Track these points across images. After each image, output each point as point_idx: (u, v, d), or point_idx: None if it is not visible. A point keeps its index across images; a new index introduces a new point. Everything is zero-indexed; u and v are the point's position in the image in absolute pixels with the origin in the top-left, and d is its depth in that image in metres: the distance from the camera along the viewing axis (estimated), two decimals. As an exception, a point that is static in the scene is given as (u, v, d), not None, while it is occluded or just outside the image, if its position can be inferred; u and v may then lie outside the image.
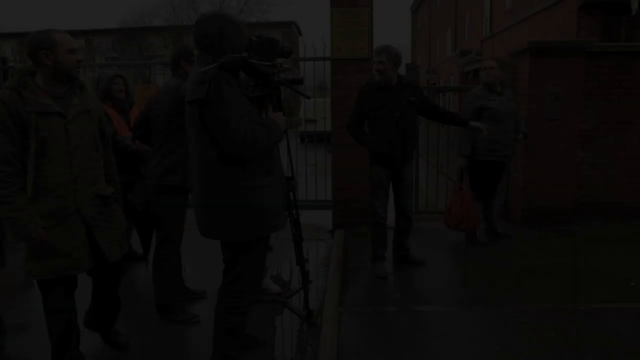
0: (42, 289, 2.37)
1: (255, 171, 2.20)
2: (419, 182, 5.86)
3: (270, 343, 3.01)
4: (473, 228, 4.55)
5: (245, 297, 2.32)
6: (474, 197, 4.53)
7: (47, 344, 2.49)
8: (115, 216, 2.49)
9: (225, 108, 2.07)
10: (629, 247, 4.49)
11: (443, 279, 3.77)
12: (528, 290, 3.52)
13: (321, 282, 3.97)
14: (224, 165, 2.16)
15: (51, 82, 2.25)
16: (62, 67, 2.23)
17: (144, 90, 5.93)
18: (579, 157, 5.40)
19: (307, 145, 6.83)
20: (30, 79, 2.21)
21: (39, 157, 2.16)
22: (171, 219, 3.17)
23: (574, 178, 5.26)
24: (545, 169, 5.18)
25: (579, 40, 5.20)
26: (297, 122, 5.54)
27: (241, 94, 2.16)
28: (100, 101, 3.88)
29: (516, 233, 4.97)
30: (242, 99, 2.14)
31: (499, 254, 4.35)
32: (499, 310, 3.21)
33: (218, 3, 29.88)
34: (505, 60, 4.84)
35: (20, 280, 4.03)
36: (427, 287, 3.63)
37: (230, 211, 2.19)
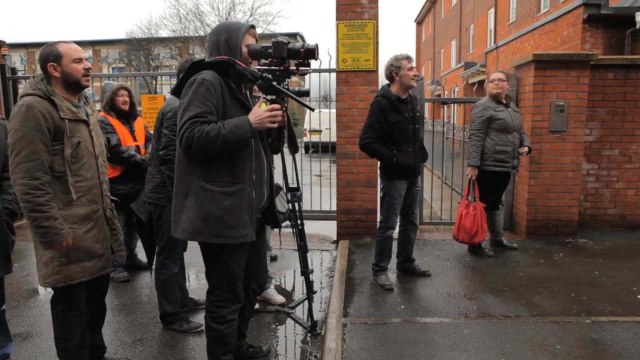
0: (64, 293, 2.34)
1: (218, 175, 2.15)
2: (423, 194, 5.86)
3: (274, 353, 3.00)
4: (482, 240, 4.55)
5: (228, 305, 2.30)
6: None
7: (53, 351, 2.49)
8: (118, 221, 2.59)
9: (180, 105, 2.14)
10: (635, 260, 4.45)
11: (448, 291, 3.75)
12: (534, 303, 3.50)
13: (325, 293, 3.96)
14: (186, 160, 2.18)
15: (65, 92, 2.31)
16: (71, 78, 2.28)
17: (150, 101, 6.00)
18: (584, 169, 5.40)
19: (311, 156, 6.84)
20: (53, 88, 2.26)
21: (74, 161, 2.25)
22: (169, 227, 3.18)
23: (579, 190, 5.25)
24: (550, 181, 5.17)
25: (584, 53, 5.21)
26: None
27: (221, 94, 2.10)
28: (104, 112, 3.97)
29: (521, 245, 4.95)
30: (206, 98, 2.06)
31: (505, 266, 4.33)
32: (504, 322, 3.19)
33: (224, 15, 30.21)
34: (510, 73, 4.91)
35: (26, 287, 4.05)
36: (431, 299, 3.61)
37: (183, 206, 2.19)
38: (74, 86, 2.32)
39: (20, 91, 2.30)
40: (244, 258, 2.32)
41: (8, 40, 6.32)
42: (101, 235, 2.39)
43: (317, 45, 2.20)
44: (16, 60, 34.47)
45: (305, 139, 13.59)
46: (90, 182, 2.33)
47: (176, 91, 2.30)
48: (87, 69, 2.33)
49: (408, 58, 3.71)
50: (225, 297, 2.29)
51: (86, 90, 2.44)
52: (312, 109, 2.45)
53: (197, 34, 30.35)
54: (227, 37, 2.19)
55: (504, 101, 4.58)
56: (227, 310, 2.29)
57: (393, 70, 3.68)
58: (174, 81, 3.66)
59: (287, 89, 2.23)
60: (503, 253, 4.71)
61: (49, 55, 2.26)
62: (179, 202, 2.22)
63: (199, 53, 29.12)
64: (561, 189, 5.18)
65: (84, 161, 2.29)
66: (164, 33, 32.61)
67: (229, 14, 30.61)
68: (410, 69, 3.68)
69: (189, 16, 31.83)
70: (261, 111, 2.15)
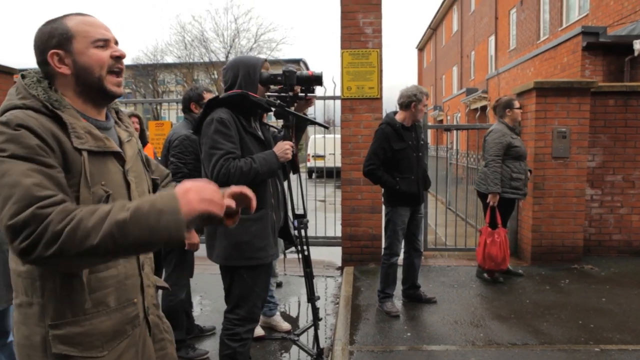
0: None
1: None
2: (428, 220, 5.87)
3: (280, 382, 2.98)
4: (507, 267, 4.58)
5: (244, 324, 2.38)
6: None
7: None
8: (167, 322, 1.53)
9: (205, 143, 2.26)
10: (642, 287, 4.43)
11: (454, 318, 3.73)
12: (541, 331, 3.47)
13: (330, 320, 3.94)
14: None
15: (83, 102, 1.28)
16: (89, 75, 1.24)
17: (157, 127, 6.09)
18: (588, 195, 5.42)
19: (316, 181, 6.88)
20: (61, 96, 1.23)
21: None
22: (178, 251, 3.20)
23: (583, 216, 5.26)
24: (554, 206, 5.19)
25: (584, 80, 5.31)
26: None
27: (236, 130, 2.28)
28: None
29: (527, 271, 4.93)
30: (228, 135, 2.24)
31: (510, 293, 4.31)
32: (512, 350, 3.17)
33: (229, 42, 30.77)
34: None
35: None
36: (437, 326, 3.59)
37: (215, 234, 2.34)
38: (97, 92, 1.27)
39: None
40: (264, 277, 2.43)
41: (16, 66, 6.44)
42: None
43: (322, 73, 2.46)
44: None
45: (309, 164, 13.69)
46: (123, 270, 1.27)
47: (196, 129, 2.40)
48: (118, 57, 1.29)
49: (427, 95, 3.80)
50: (243, 316, 2.37)
51: (116, 101, 1.38)
52: (326, 127, 2.76)
53: (202, 60, 30.87)
54: (244, 72, 2.36)
55: (516, 129, 4.64)
56: (242, 328, 2.37)
57: (413, 102, 3.72)
58: (179, 106, 3.78)
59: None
60: (508, 279, 4.69)
61: (50, 36, 1.23)
62: (211, 229, 2.37)
63: (204, 79, 29.53)
64: (565, 215, 5.19)
65: None
66: (169, 59, 33.18)
67: (233, 40, 31.18)
68: (425, 106, 3.79)
69: (194, 42, 32.39)
70: (284, 144, 2.38)
